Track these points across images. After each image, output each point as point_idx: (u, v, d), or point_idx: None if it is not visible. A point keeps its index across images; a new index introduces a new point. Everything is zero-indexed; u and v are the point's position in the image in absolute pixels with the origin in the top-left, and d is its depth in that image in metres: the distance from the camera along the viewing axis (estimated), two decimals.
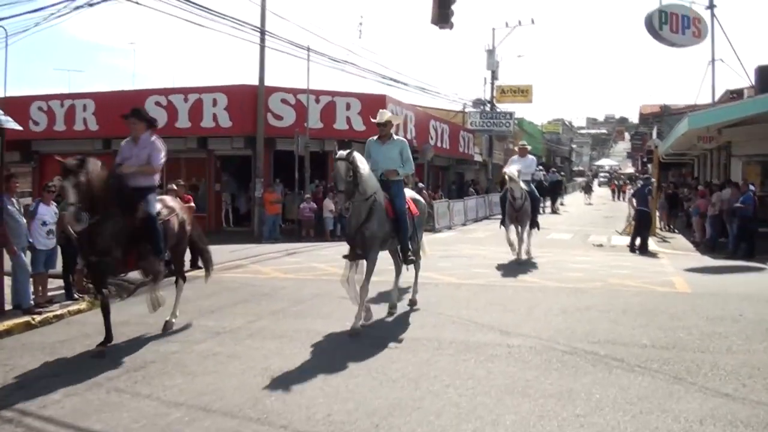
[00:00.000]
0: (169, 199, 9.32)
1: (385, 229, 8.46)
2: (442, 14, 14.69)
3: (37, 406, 5.78)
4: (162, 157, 8.49)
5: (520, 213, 14.60)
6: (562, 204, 39.07)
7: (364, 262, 8.44)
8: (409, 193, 9.47)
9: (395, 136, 9.16)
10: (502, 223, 15.41)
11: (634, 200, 18.89)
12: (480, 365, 6.63)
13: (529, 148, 16.30)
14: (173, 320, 8.81)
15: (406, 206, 8.93)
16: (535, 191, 15.70)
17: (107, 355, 7.37)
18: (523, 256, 14.89)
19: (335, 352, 7.13)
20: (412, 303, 9.61)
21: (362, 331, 8.03)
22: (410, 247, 9.05)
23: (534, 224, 15.50)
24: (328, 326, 8.38)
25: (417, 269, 9.77)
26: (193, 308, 9.90)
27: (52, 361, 7.32)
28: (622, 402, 5.52)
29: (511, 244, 14.83)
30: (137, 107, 9.05)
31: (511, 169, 14.53)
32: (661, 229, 22.94)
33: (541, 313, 9.04)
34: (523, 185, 14.41)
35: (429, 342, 7.51)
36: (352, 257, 8.60)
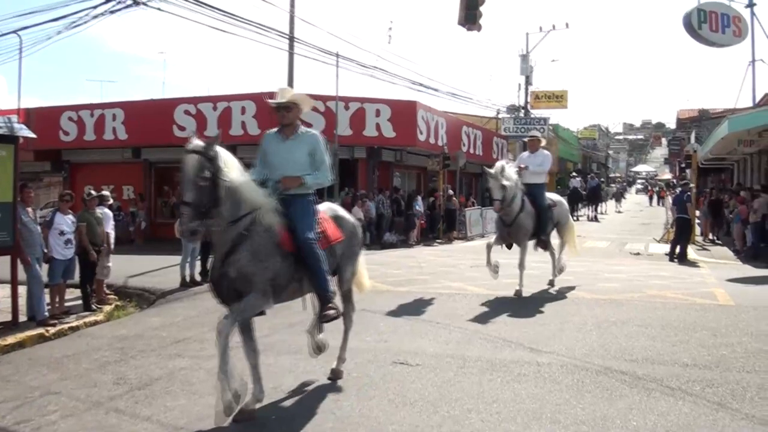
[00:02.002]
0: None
1: (268, 268, 5.44)
2: (470, 15, 14.22)
3: (31, 429, 5.45)
4: None
5: (513, 228, 10.85)
6: (603, 213, 38.18)
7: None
8: (327, 208, 6.49)
9: (304, 129, 6.07)
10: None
11: (674, 208, 18.14)
12: (506, 386, 6.12)
13: (543, 141, 11.90)
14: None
15: (318, 232, 5.88)
16: (545, 198, 11.46)
17: (111, 372, 7.02)
18: (519, 287, 10.84)
19: (351, 371, 6.66)
20: (335, 375, 6.47)
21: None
22: (329, 295, 5.87)
23: (542, 243, 11.63)
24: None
25: (347, 324, 6.72)
26: (210, 320, 9.47)
27: (56, 377, 7.01)
28: (662, 431, 4.98)
29: (489, 264, 10.91)
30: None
31: (499, 164, 10.86)
32: (704, 240, 22.01)
33: (573, 328, 8.48)
34: (512, 184, 10.57)
35: (453, 359, 7.02)
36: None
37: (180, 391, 6.26)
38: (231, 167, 5.33)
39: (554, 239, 12.21)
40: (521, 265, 10.99)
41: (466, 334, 8.08)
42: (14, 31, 13.60)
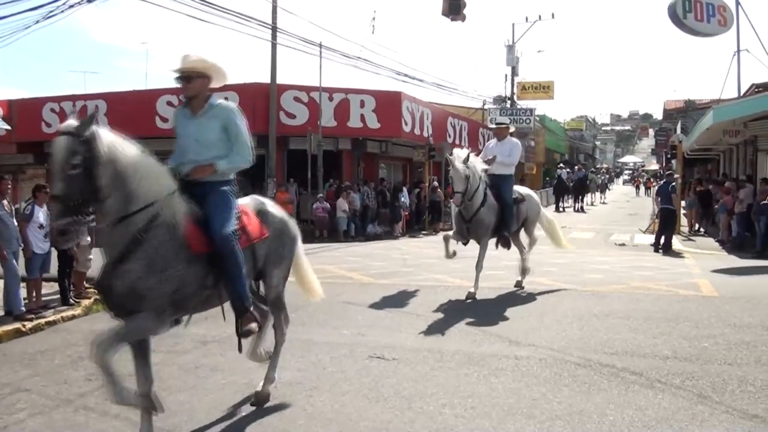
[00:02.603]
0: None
1: (168, 280, 4.46)
2: (453, 5, 14.13)
3: None
4: None
5: (473, 224, 9.82)
6: (592, 204, 38.16)
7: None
8: (251, 200, 5.57)
9: (216, 102, 5.18)
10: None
11: (658, 198, 18.09)
12: (483, 380, 6.03)
13: (511, 128, 11.03)
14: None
15: (236, 227, 4.89)
16: (511, 191, 10.38)
17: (83, 368, 6.88)
18: (473, 290, 9.72)
19: (326, 366, 6.56)
20: (258, 400, 5.52)
21: None
22: (246, 305, 5.00)
23: (504, 241, 10.31)
24: (323, 335, 7.83)
25: (278, 338, 5.84)
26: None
27: (28, 373, 6.85)
28: (639, 425, 4.90)
29: (449, 256, 10.27)
30: None
31: (463, 152, 9.84)
32: (690, 231, 21.89)
33: (554, 320, 8.41)
34: (476, 175, 9.59)
35: (430, 353, 6.92)
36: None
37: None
38: (120, 151, 4.33)
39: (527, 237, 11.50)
40: (478, 266, 9.90)
41: (446, 328, 7.97)
42: None
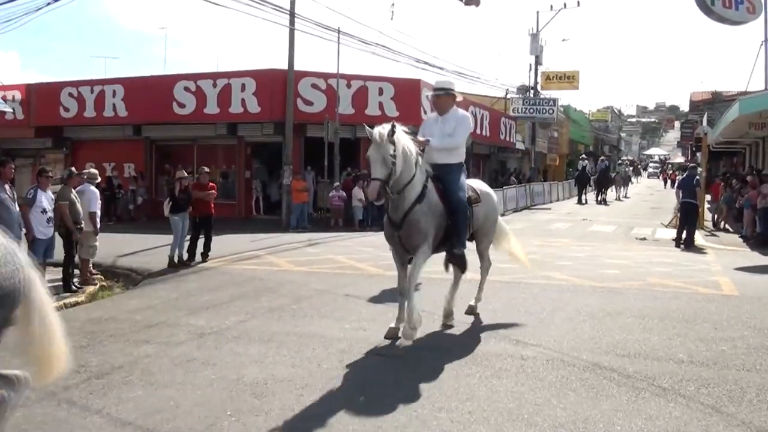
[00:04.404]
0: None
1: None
2: None
3: None
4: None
5: (404, 230, 6.80)
6: (617, 198, 37.33)
7: None
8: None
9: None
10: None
11: (680, 192, 17.51)
12: (484, 382, 5.70)
13: (458, 97, 7.52)
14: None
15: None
16: (462, 186, 7.25)
17: (75, 358, 6.63)
18: (395, 324, 7.09)
19: (321, 363, 6.27)
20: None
21: None
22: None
23: (453, 258, 7.39)
24: (323, 328, 7.55)
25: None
26: (189, 304, 9.20)
27: (18, 363, 6.60)
28: None
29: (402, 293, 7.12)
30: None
31: (387, 125, 6.53)
32: (716, 227, 21.12)
33: (565, 318, 8.05)
34: (405, 156, 6.57)
35: (430, 352, 6.62)
36: None
37: (138, 382, 5.88)
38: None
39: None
40: (404, 291, 7.04)
41: (450, 324, 7.66)
42: None
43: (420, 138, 7.19)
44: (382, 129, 6.51)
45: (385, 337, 6.98)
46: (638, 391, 5.47)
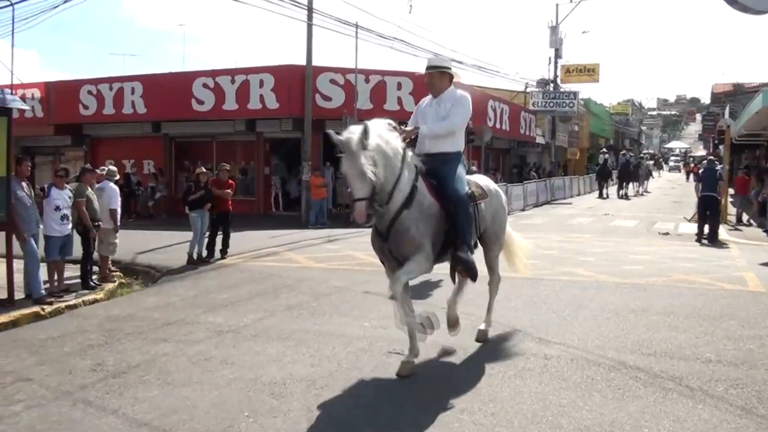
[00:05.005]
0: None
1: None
2: None
3: None
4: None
5: (392, 238, 5.74)
6: (644, 192, 36.60)
7: None
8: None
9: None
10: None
11: (699, 185, 17.10)
12: (507, 382, 5.57)
13: (456, 77, 7.22)
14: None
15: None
16: (461, 181, 6.13)
17: (91, 357, 6.62)
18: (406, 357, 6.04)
19: (341, 362, 6.17)
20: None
21: None
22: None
23: (460, 262, 6.00)
24: (342, 326, 7.45)
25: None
26: (207, 301, 9.15)
27: (34, 361, 6.61)
28: None
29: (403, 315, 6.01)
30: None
31: (360, 126, 5.40)
32: (739, 221, 20.70)
33: (589, 315, 7.89)
34: (391, 158, 5.59)
35: (451, 351, 6.50)
36: None
37: (155, 381, 5.81)
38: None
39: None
40: (402, 311, 5.98)
41: (471, 321, 7.43)
42: (10, 3, 13.12)
43: (409, 127, 6.15)
44: (351, 135, 5.32)
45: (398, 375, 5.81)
46: (666, 391, 5.32)
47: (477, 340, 6.81)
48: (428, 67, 6.38)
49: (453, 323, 6.73)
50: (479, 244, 6.67)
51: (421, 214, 5.74)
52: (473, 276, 6.13)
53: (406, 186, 5.70)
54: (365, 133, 5.28)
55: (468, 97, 6.29)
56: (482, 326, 6.98)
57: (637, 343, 6.70)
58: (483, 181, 6.95)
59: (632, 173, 35.55)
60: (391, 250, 5.84)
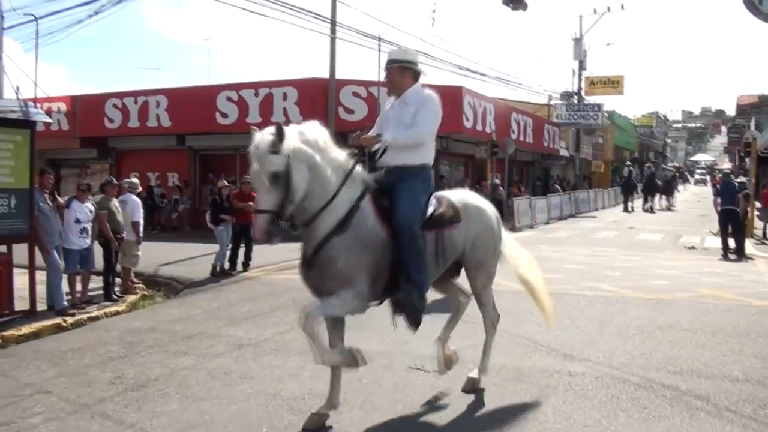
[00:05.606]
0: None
1: None
2: None
3: None
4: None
5: (315, 271, 4.80)
6: (672, 206, 35.69)
7: None
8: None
9: None
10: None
11: (718, 199, 16.77)
12: (530, 401, 5.46)
13: (424, 74, 5.37)
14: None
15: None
16: (423, 197, 5.10)
17: (111, 369, 6.61)
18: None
19: (361, 377, 6.09)
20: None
21: None
22: None
23: (401, 307, 5.10)
24: (363, 341, 7.24)
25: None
26: (229, 314, 9.14)
27: (54, 373, 6.63)
28: None
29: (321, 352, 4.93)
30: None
31: (270, 129, 4.51)
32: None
33: (614, 331, 7.76)
34: (320, 167, 4.69)
35: (475, 366, 6.36)
36: None
37: (174, 395, 5.78)
38: None
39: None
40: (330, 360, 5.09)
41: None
42: (34, 18, 13.32)
43: (369, 134, 5.17)
44: (262, 134, 4.49)
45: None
46: (693, 411, 5.18)
47: (464, 390, 5.68)
48: (388, 62, 5.30)
49: (445, 365, 5.78)
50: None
51: (358, 241, 4.71)
52: (412, 323, 5.11)
53: (342, 207, 4.72)
54: (279, 135, 4.41)
55: (436, 97, 5.23)
56: (473, 373, 5.83)
57: (663, 360, 6.56)
58: (461, 197, 5.60)
59: (663, 187, 35.06)
60: (317, 284, 4.84)
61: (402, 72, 5.20)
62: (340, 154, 4.86)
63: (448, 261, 5.38)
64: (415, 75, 5.25)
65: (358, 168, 4.93)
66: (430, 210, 5.13)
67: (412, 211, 4.90)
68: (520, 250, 6.22)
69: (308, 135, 4.68)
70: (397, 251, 4.84)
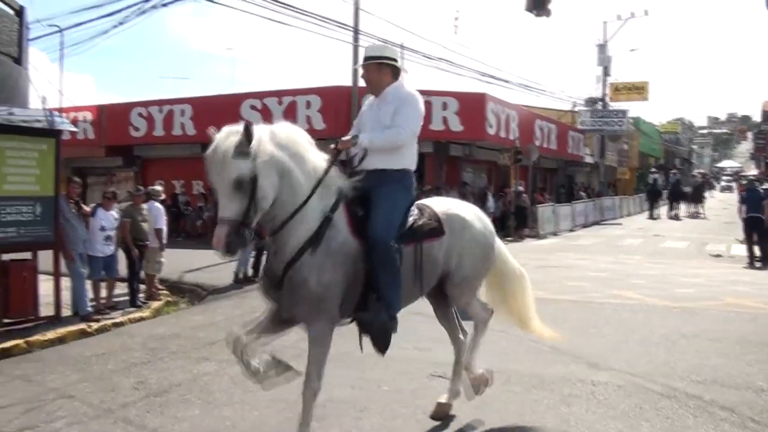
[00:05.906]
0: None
1: None
2: (538, 0, 13.34)
3: None
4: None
5: (286, 290, 4.31)
6: (700, 213, 34.48)
7: None
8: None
9: None
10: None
11: (743, 207, 16.59)
12: (552, 409, 5.42)
13: (404, 71, 4.94)
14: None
15: None
16: (393, 210, 4.55)
17: (134, 375, 6.67)
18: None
19: (381, 384, 6.11)
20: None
21: None
22: None
23: (361, 324, 4.68)
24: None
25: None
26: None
27: (77, 378, 6.70)
28: None
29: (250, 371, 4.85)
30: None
31: (231, 129, 4.03)
32: None
33: (638, 340, 7.68)
34: (293, 172, 4.21)
35: (496, 374, 6.32)
36: None
37: (196, 400, 5.82)
38: None
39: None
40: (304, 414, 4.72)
41: (516, 344, 7.32)
42: (58, 30, 13.52)
43: (347, 136, 4.68)
44: (225, 136, 4.00)
45: None
46: (717, 422, 5.11)
47: (433, 417, 5.25)
48: (363, 58, 4.87)
49: (476, 387, 5.30)
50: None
51: (329, 256, 4.26)
52: (380, 346, 4.67)
53: (314, 217, 4.28)
54: (247, 135, 3.92)
55: (418, 96, 4.81)
56: (443, 397, 5.36)
57: (687, 369, 6.48)
58: (446, 207, 5.05)
59: (692, 194, 34.68)
60: (282, 304, 4.46)
61: (379, 69, 4.76)
62: (317, 158, 4.40)
63: (428, 278, 4.83)
64: (395, 72, 4.82)
65: (333, 173, 4.44)
66: (410, 220, 4.67)
67: (388, 223, 4.45)
68: (514, 270, 5.62)
69: (281, 136, 4.20)
70: (369, 266, 4.38)
